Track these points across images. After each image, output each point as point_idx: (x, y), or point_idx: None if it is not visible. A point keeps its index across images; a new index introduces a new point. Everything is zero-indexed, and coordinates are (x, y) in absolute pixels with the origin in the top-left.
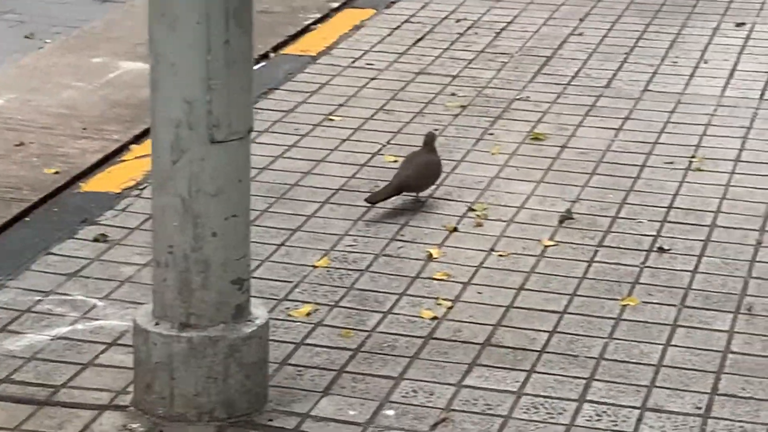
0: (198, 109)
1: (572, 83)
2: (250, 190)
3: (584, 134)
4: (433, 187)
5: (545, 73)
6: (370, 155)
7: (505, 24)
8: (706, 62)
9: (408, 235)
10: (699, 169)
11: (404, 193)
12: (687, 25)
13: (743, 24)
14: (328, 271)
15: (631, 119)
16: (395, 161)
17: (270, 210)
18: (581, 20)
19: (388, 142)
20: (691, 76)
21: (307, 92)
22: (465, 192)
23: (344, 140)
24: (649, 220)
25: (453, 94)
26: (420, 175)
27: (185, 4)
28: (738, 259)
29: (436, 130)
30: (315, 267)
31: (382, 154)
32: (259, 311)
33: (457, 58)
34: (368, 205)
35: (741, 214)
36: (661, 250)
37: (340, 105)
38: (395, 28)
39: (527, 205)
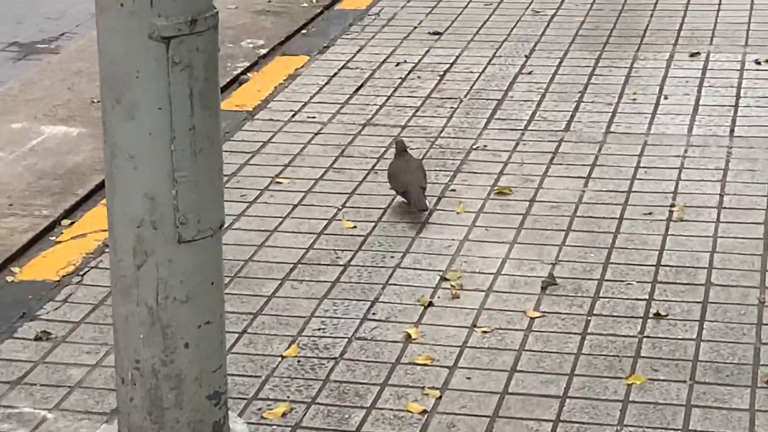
0: (162, 206)
1: (529, 128)
2: (223, 293)
3: (551, 185)
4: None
5: (499, 118)
6: (326, 221)
7: (447, 65)
8: (666, 98)
9: (380, 312)
10: (681, 219)
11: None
12: (639, 57)
13: (697, 54)
14: (298, 361)
15: (599, 165)
16: (354, 227)
17: (226, 292)
18: (527, 57)
19: (343, 205)
20: (654, 114)
21: (248, 152)
22: (435, 259)
23: (296, 205)
24: (638, 282)
25: None
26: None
27: (144, 88)
28: (743, 322)
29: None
30: (283, 357)
31: (339, 220)
32: (238, 427)
33: (402, 105)
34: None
35: (736, 269)
36: (657, 315)
37: (286, 165)
38: (332, 76)
39: (504, 270)
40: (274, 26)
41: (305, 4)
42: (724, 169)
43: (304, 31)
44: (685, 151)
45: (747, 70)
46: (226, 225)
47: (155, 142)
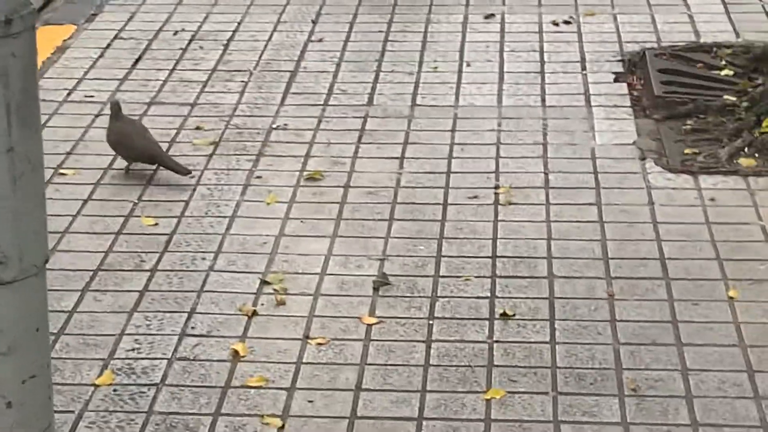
0: None
1: (329, 102)
2: (49, 340)
3: (364, 168)
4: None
5: (295, 93)
6: (122, 218)
7: (230, 33)
8: (468, 65)
9: (199, 326)
10: (509, 203)
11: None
12: (432, 20)
13: (492, 15)
14: (114, 390)
15: (411, 144)
16: (155, 224)
17: None
18: (314, 23)
19: (139, 199)
20: (458, 83)
21: None
22: (251, 259)
23: (85, 201)
24: (476, 277)
25: (198, 128)
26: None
27: None
28: (595, 319)
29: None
30: (97, 386)
31: (137, 216)
32: None
33: (188, 80)
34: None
35: (577, 258)
36: (504, 316)
37: (68, 153)
38: (106, 48)
39: (329, 269)
40: None
41: None
42: (543, 144)
43: None
44: (499, 124)
45: (546, 32)
46: None
47: None
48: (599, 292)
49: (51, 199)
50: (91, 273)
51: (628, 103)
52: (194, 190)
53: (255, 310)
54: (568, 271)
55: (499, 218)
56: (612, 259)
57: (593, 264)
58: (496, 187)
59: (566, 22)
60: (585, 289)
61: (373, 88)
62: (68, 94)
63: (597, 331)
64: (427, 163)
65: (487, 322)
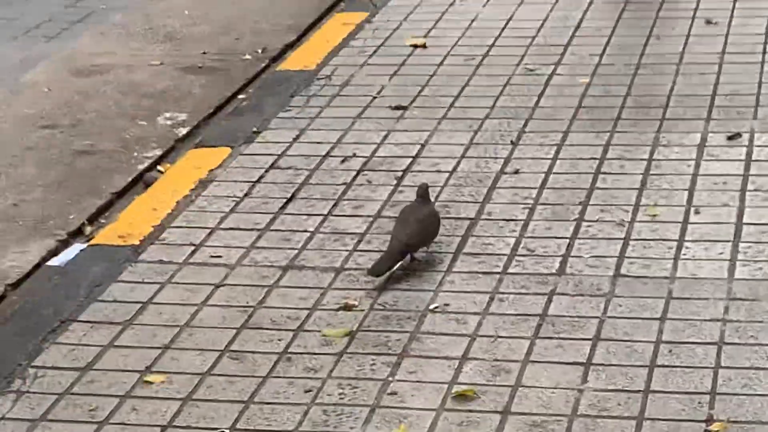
0: None
1: (509, 270)
2: None
3: (535, 379)
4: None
5: (468, 253)
6: None
7: (409, 160)
8: (698, 212)
9: None
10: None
11: None
12: (660, 142)
13: (738, 135)
14: None
15: (605, 340)
16: None
17: None
18: (513, 144)
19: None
20: (681, 241)
21: (117, 341)
22: None
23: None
24: None
25: (340, 308)
26: (421, 231)
27: None
28: None
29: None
30: None
31: None
32: None
33: (342, 232)
34: (373, 278)
35: None
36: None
37: (165, 347)
38: (257, 181)
39: None
40: (204, 90)
41: (247, 56)
42: None
43: (241, 96)
44: (726, 310)
45: None
46: None
47: None
48: None
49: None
50: None
51: None
52: (305, 413)
53: None
54: None
55: None
56: None
57: None
58: (708, 420)
59: None
60: None
61: (569, 247)
62: (192, 253)
63: None
64: (620, 375)
65: None
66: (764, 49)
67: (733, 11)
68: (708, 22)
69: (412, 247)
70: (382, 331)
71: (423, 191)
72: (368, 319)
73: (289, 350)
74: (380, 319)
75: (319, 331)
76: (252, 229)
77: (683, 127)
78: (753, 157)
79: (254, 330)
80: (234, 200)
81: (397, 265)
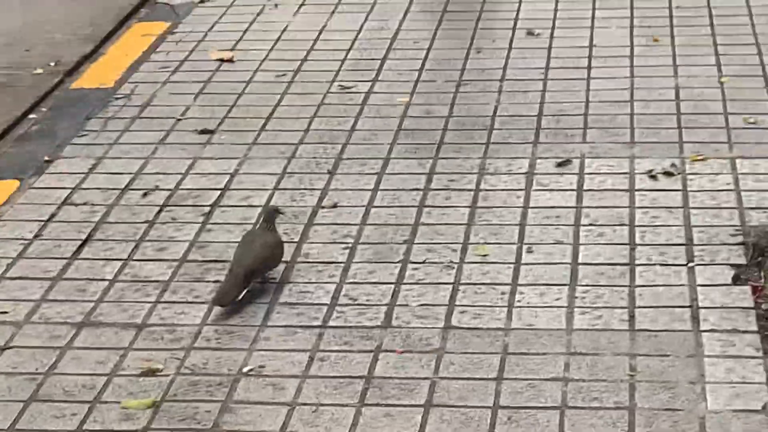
0: None
1: (329, 323)
2: None
3: None
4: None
5: (285, 302)
6: None
7: (218, 193)
8: (530, 250)
9: None
10: None
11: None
12: (487, 170)
13: (568, 162)
14: None
15: (438, 406)
16: None
17: None
18: (330, 173)
19: None
20: (514, 285)
21: None
22: None
23: None
24: None
25: (143, 372)
26: (267, 257)
27: None
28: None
29: None
30: None
31: None
32: None
33: (145, 279)
34: (220, 307)
35: None
36: None
37: None
38: (48, 220)
39: None
40: None
41: (39, 70)
42: (628, 408)
43: (32, 116)
44: (566, 366)
45: (640, 190)
46: None
47: None
48: None
49: None
50: None
51: (755, 327)
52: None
53: None
54: None
55: None
56: None
57: None
58: None
59: (667, 174)
60: None
61: (395, 294)
62: None
63: None
64: None
65: None
66: (589, 63)
67: (554, 21)
68: (530, 33)
69: (257, 274)
70: (190, 400)
71: (269, 215)
72: (174, 385)
73: (84, 427)
74: (188, 386)
75: (119, 403)
76: (43, 278)
77: (510, 152)
78: (585, 186)
79: (44, 403)
80: (22, 243)
81: (243, 292)
